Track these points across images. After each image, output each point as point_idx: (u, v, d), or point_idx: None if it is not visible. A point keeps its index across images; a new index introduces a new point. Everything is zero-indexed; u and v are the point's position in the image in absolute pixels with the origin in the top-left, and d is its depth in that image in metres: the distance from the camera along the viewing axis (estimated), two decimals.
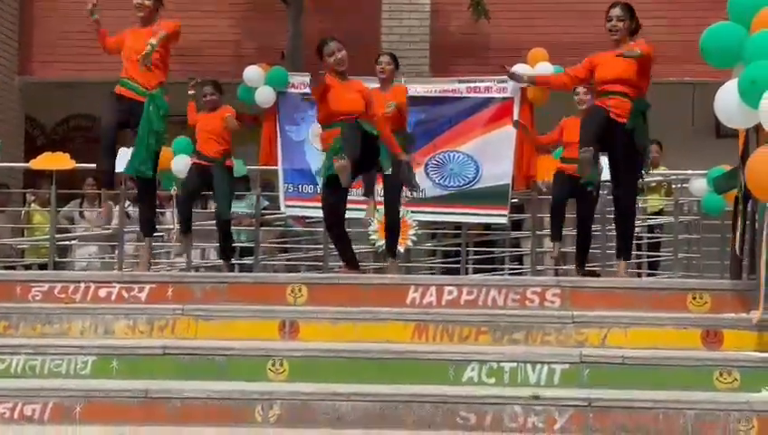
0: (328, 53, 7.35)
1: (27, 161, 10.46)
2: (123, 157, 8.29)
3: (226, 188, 8.57)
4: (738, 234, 6.61)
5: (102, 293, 6.59)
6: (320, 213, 9.80)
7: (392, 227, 7.98)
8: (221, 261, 10.39)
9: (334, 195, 7.21)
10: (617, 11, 7.30)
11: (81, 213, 10.98)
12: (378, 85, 8.09)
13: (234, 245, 9.16)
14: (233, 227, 10.50)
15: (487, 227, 10.43)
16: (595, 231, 8.72)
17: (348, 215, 9.08)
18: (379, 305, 6.36)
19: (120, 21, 8.12)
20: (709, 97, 6.25)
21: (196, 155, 8.70)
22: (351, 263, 7.36)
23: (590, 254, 8.43)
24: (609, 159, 7.30)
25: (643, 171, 7.34)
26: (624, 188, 7.18)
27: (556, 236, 8.56)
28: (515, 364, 5.67)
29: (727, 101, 5.85)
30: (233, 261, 10.30)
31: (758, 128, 5.92)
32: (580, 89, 8.10)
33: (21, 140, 13.03)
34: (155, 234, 8.15)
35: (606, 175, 7.56)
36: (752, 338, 5.87)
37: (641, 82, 7.17)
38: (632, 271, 10.40)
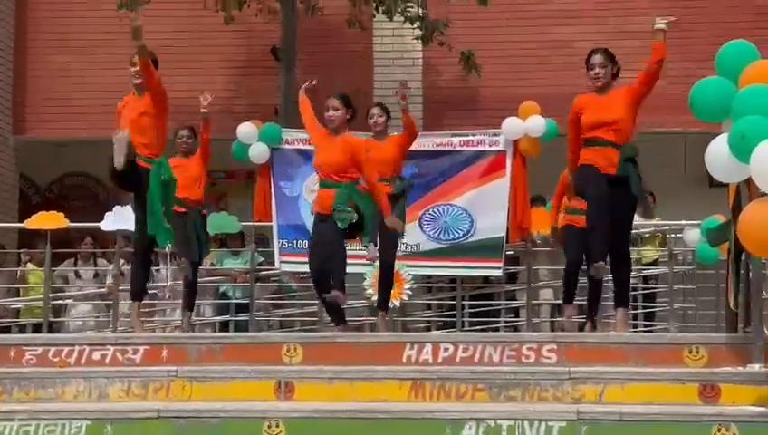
0: (324, 107, 7.41)
1: (22, 221, 10.47)
2: (119, 215, 8.31)
3: (202, 232, 8.53)
4: (732, 287, 6.61)
5: (96, 355, 6.56)
6: None
7: (385, 281, 7.95)
8: (215, 318, 10.43)
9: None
10: (598, 58, 7.30)
11: (75, 272, 10.96)
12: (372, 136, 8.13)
13: (195, 293, 9.05)
14: (228, 284, 10.54)
15: (484, 279, 10.43)
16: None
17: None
18: (375, 364, 6.33)
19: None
20: (700, 146, 6.28)
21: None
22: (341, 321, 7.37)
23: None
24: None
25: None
26: (619, 235, 7.12)
27: (569, 299, 8.34)
28: (513, 422, 5.62)
29: (718, 156, 5.88)
30: (227, 318, 10.32)
31: (749, 181, 5.95)
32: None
33: (15, 200, 13.04)
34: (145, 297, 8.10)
35: None
36: (749, 392, 5.85)
37: (628, 126, 7.14)
38: (628, 322, 10.41)
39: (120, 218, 9.26)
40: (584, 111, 7.21)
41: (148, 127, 7.38)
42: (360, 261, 9.05)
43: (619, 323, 7.20)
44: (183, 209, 8.35)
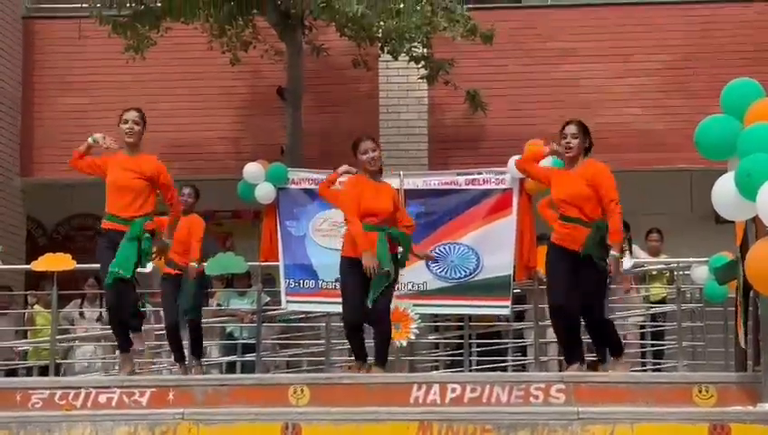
0: (362, 150, 7.47)
1: (29, 262, 10.47)
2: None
3: (196, 291, 8.61)
4: (741, 325, 6.58)
5: (103, 398, 6.55)
6: (321, 308, 9.88)
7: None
8: (222, 359, 10.40)
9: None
10: (571, 128, 7.35)
11: (80, 313, 10.95)
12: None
13: (201, 342, 9.09)
14: (235, 325, 10.52)
15: (491, 318, 10.40)
16: None
17: None
18: (382, 405, 6.30)
19: None
20: (707, 183, 6.28)
21: (167, 263, 8.67)
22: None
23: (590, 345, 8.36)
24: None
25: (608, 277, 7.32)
26: (590, 307, 7.12)
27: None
28: None
29: (724, 194, 5.88)
30: (234, 358, 10.29)
31: (756, 219, 5.94)
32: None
33: (23, 241, 13.06)
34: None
35: None
36: (760, 432, 5.78)
37: (596, 207, 7.12)
38: (636, 360, 10.35)
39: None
40: (553, 183, 7.36)
41: (138, 190, 7.31)
42: None
43: (618, 370, 7.17)
44: (177, 272, 8.39)
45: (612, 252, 7.05)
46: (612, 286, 7.66)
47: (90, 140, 7.54)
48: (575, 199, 7.13)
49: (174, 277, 8.67)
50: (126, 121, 7.47)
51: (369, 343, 7.86)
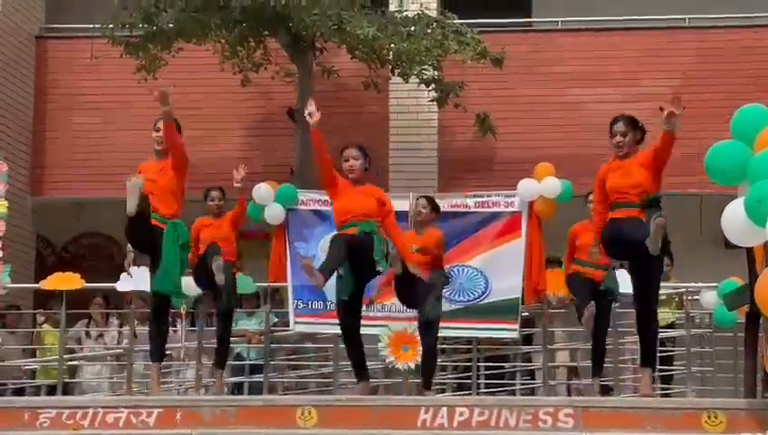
0: (344, 157, 7.47)
1: (38, 281, 10.49)
2: (138, 276, 8.29)
3: (231, 282, 8.54)
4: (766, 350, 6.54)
5: (110, 418, 6.53)
6: (329, 329, 9.86)
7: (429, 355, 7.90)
8: (230, 379, 10.38)
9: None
10: (620, 126, 7.29)
11: (87, 333, 10.96)
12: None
13: (228, 349, 9.07)
14: (243, 345, 10.51)
15: (499, 341, 10.37)
16: (608, 345, 8.64)
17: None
18: (390, 428, 6.29)
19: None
20: (716, 208, 6.28)
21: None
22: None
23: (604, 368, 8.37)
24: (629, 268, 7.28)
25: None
26: (640, 295, 7.11)
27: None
28: None
29: (734, 220, 5.87)
30: (242, 379, 10.27)
31: (766, 245, 5.93)
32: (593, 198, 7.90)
33: (32, 260, 13.09)
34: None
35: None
36: None
37: (653, 187, 7.12)
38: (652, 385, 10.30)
39: (137, 279, 9.28)
40: (607, 176, 7.24)
41: (167, 188, 7.40)
42: (375, 322, 9.06)
43: (643, 386, 7.15)
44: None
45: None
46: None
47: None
48: (634, 187, 7.05)
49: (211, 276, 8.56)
50: (158, 130, 7.54)
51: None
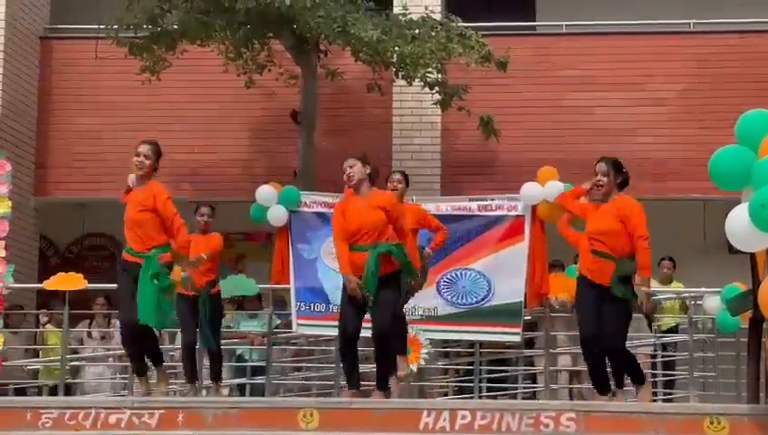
0: (343, 168, 7.43)
1: (41, 281, 10.50)
2: None
3: (214, 317, 8.63)
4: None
5: (112, 419, 6.54)
6: (331, 331, 9.85)
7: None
8: (232, 381, 10.38)
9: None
10: (602, 167, 7.43)
11: (89, 333, 10.96)
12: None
13: (221, 366, 9.09)
14: (245, 347, 10.51)
15: (501, 345, 10.37)
16: None
17: (362, 333, 9.10)
18: (392, 431, 6.29)
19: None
20: (720, 212, 6.28)
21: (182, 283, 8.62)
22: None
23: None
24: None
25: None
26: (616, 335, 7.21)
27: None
28: None
29: (738, 225, 5.87)
30: (243, 380, 10.27)
31: None
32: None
33: (35, 260, 13.09)
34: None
35: None
36: None
37: (626, 243, 7.23)
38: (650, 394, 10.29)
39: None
40: (588, 218, 7.44)
41: (146, 222, 7.32)
42: None
43: (640, 400, 7.22)
44: (191, 293, 8.37)
45: (642, 288, 7.17)
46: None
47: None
48: (604, 235, 7.24)
49: (190, 298, 8.62)
50: (138, 154, 7.49)
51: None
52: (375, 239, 7.23)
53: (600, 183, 7.38)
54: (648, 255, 7.20)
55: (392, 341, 7.36)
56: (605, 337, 7.15)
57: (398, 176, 8.40)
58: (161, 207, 7.29)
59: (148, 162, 7.45)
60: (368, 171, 7.42)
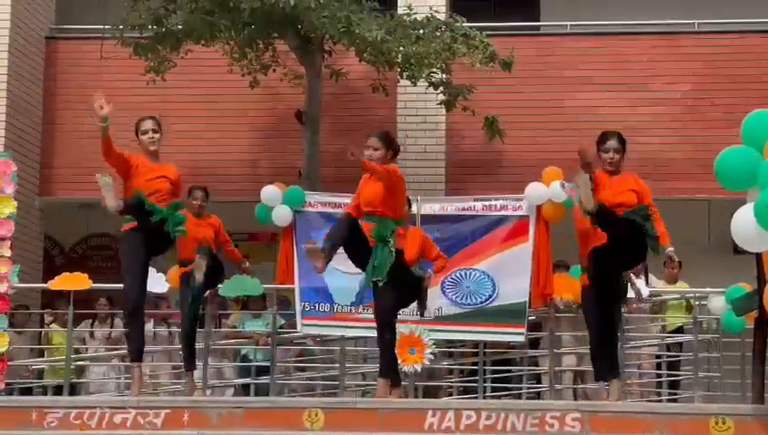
0: (365, 147, 7.35)
1: (45, 281, 10.51)
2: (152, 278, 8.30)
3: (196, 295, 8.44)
4: None
5: (118, 419, 6.55)
6: (336, 331, 9.87)
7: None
8: (236, 381, 10.39)
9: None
10: (614, 143, 7.39)
11: (91, 333, 10.98)
12: None
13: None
14: (249, 347, 10.51)
15: (506, 345, 10.37)
16: None
17: (367, 333, 9.11)
18: (397, 431, 6.29)
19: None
20: (725, 212, 6.28)
21: (180, 264, 8.59)
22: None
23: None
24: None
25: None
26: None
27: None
28: None
29: (744, 225, 5.87)
30: (248, 380, 10.28)
31: None
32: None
33: (40, 260, 13.11)
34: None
35: None
36: None
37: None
38: (652, 390, 10.30)
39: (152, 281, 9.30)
40: (598, 187, 7.31)
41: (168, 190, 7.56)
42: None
43: (611, 394, 7.21)
44: (189, 268, 8.33)
45: (669, 248, 7.25)
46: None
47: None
48: (623, 199, 7.24)
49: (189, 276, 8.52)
50: (146, 132, 7.52)
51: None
52: (375, 210, 7.28)
53: (614, 160, 7.34)
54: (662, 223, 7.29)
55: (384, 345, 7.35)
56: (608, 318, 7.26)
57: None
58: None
59: (157, 136, 7.58)
60: (389, 157, 7.39)
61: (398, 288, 7.24)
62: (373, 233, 7.26)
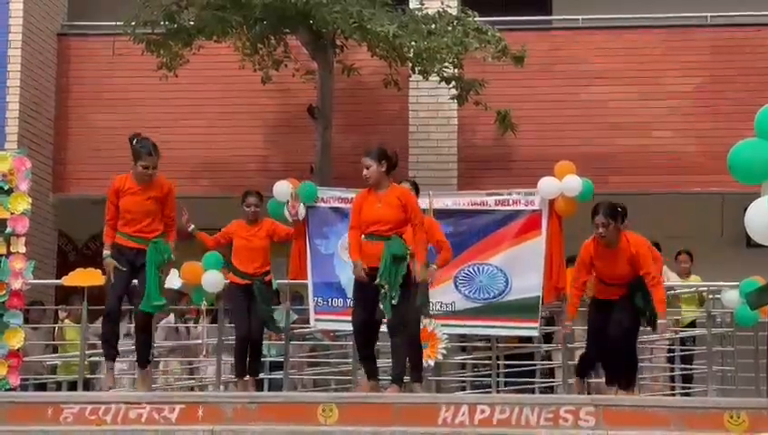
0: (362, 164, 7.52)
1: (59, 277, 10.55)
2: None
3: (268, 305, 8.69)
4: None
5: (133, 414, 6.57)
6: (349, 326, 9.87)
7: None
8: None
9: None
10: (600, 218, 7.61)
11: None
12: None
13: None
14: (264, 342, 10.53)
15: (519, 339, 10.36)
16: None
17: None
18: (411, 425, 6.30)
19: None
20: (738, 207, 6.26)
21: (233, 272, 8.74)
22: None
23: None
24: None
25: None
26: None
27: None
28: None
29: (757, 218, 5.85)
30: (262, 376, 10.30)
31: None
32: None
33: (53, 256, 13.16)
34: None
35: None
36: None
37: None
38: (666, 384, 10.28)
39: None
40: (595, 260, 7.72)
41: (154, 212, 7.66)
42: None
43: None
44: (245, 281, 8.42)
45: (659, 320, 7.59)
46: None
47: None
48: (618, 279, 7.66)
49: (243, 287, 8.71)
50: (147, 167, 7.72)
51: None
52: (391, 231, 7.37)
53: (603, 235, 7.60)
54: (663, 290, 7.63)
55: (404, 341, 7.43)
56: (613, 337, 7.53)
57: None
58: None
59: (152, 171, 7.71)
60: (383, 169, 7.48)
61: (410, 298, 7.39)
62: (387, 252, 7.32)
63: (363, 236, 7.42)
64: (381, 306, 7.29)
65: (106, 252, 7.66)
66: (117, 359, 10.68)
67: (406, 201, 7.47)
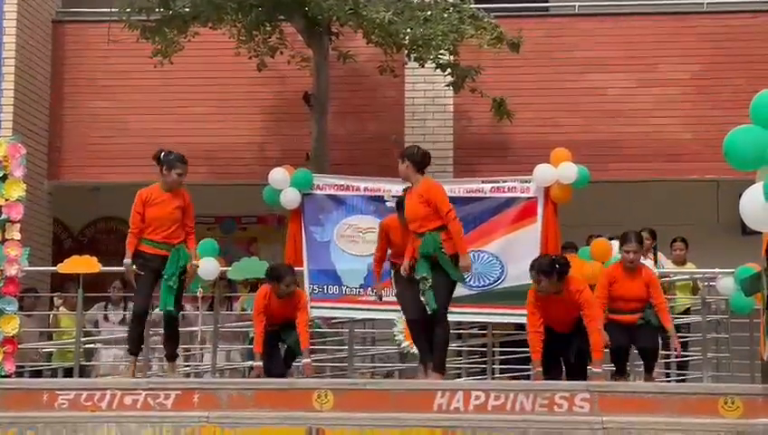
0: None
1: (54, 264, 10.54)
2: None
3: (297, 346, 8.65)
4: (765, 337, 6.55)
5: (128, 400, 6.58)
6: (345, 314, 9.89)
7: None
8: (245, 364, 10.41)
9: None
10: (633, 246, 8.01)
11: (105, 316, 11.01)
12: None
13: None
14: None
15: (516, 326, 10.36)
16: None
17: (375, 315, 9.17)
18: (406, 411, 6.31)
19: None
20: (733, 194, 6.26)
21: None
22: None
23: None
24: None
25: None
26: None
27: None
28: None
29: (753, 205, 5.85)
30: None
31: None
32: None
33: (49, 244, 13.14)
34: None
35: None
36: None
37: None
38: (661, 371, 10.29)
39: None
40: (614, 283, 8.00)
41: (179, 220, 8.17)
42: (390, 307, 9.07)
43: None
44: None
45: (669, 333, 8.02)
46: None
47: None
48: (638, 303, 7.98)
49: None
50: (180, 174, 8.15)
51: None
52: (422, 227, 7.61)
53: (633, 261, 7.99)
54: (669, 316, 8.10)
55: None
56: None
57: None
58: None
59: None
60: (405, 166, 7.77)
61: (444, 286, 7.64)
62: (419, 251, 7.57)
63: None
64: (423, 300, 7.50)
65: (127, 260, 8.07)
66: (113, 345, 10.86)
67: (428, 196, 7.63)
